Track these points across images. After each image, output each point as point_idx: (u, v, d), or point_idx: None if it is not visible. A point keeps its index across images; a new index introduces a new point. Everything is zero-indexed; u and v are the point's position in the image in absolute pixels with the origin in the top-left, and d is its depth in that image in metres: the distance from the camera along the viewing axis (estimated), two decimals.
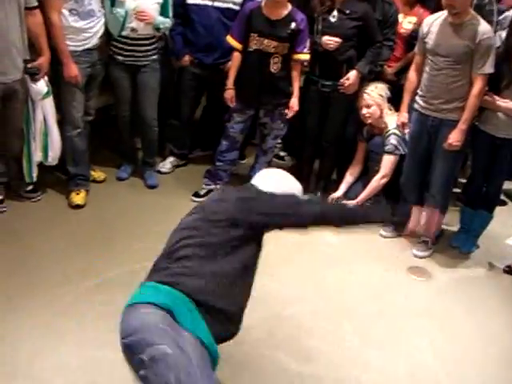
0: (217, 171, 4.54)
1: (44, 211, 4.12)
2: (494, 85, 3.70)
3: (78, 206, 4.17)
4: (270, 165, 4.67)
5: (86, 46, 3.88)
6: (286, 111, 4.27)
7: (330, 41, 4.14)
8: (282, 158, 5.36)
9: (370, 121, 4.31)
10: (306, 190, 4.70)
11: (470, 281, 3.91)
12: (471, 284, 3.87)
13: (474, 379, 3.01)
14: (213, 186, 4.51)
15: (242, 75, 4.21)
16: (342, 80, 4.27)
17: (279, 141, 4.86)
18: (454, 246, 4.24)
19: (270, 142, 4.48)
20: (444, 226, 4.30)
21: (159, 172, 4.81)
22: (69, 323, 3.06)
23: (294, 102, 4.25)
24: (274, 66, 4.11)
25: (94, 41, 3.93)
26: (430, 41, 3.70)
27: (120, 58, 4.14)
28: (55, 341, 2.93)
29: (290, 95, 4.26)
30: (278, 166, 5.04)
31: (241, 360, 2.92)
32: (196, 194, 4.51)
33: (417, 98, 3.91)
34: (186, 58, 4.47)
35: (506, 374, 3.07)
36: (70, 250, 3.70)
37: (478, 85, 3.58)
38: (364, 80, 4.36)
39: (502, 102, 3.70)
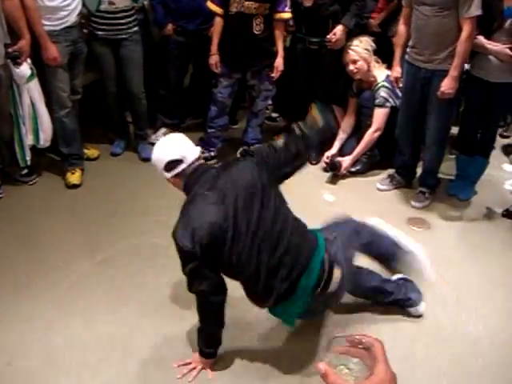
0: (209, 138, 4.54)
1: (41, 193, 4.13)
2: (485, 28, 3.66)
3: (75, 186, 4.18)
4: (261, 127, 4.67)
5: (65, 25, 3.81)
6: (272, 74, 4.24)
7: None
8: (274, 120, 5.35)
9: (357, 76, 4.29)
10: None
11: (470, 227, 3.93)
12: (471, 231, 3.89)
13: (477, 324, 3.06)
14: (207, 154, 4.51)
15: (226, 39, 4.19)
16: (328, 36, 4.24)
17: (270, 102, 4.85)
18: (451, 194, 4.25)
19: (260, 103, 4.47)
20: (441, 175, 4.30)
21: (153, 144, 4.76)
22: (78, 300, 3.10)
23: (279, 62, 4.23)
24: (257, 28, 4.08)
25: (73, 18, 3.85)
26: None
27: (100, 33, 4.09)
28: (66, 318, 2.97)
29: (275, 55, 4.23)
30: (271, 128, 5.09)
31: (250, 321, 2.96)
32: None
33: (408, 49, 3.87)
34: (169, 27, 4.43)
35: (503, 315, 3.11)
36: (71, 229, 3.73)
37: (466, 29, 3.51)
38: (351, 34, 4.32)
39: (493, 46, 3.67)
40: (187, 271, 2.37)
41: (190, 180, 2.46)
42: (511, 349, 2.89)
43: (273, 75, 4.24)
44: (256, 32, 4.09)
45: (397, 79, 4.06)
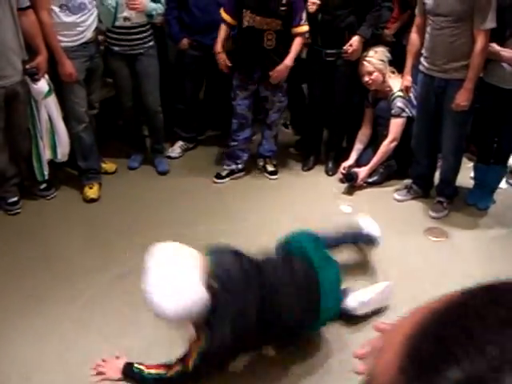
0: (234, 151, 4.56)
1: (59, 208, 4.16)
2: (498, 35, 3.63)
3: (93, 200, 4.20)
4: (276, 139, 4.67)
5: (82, 41, 3.87)
6: (271, 75, 4.21)
7: (311, 3, 4.10)
8: (286, 126, 5.38)
9: (373, 87, 4.29)
10: (316, 161, 4.76)
11: (489, 238, 3.89)
12: (490, 241, 3.85)
13: None
14: (234, 166, 4.56)
15: (239, 51, 4.23)
16: (345, 47, 4.23)
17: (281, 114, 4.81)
18: (470, 204, 4.22)
19: (273, 116, 4.47)
20: (458, 184, 4.27)
21: (169, 157, 4.82)
22: (94, 315, 3.11)
23: (279, 68, 4.18)
24: (268, 42, 4.10)
25: (89, 34, 3.91)
26: (429, 1, 3.64)
27: (116, 48, 4.13)
28: (82, 334, 2.98)
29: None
30: (284, 140, 5.11)
31: None
32: (218, 176, 4.55)
33: (421, 59, 3.86)
34: (185, 42, 4.46)
35: None
36: (88, 243, 3.75)
37: (480, 41, 3.51)
38: (366, 44, 4.31)
39: (506, 53, 3.65)
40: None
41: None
42: None
43: (272, 76, 4.21)
44: (267, 47, 4.11)
45: (407, 88, 4.06)
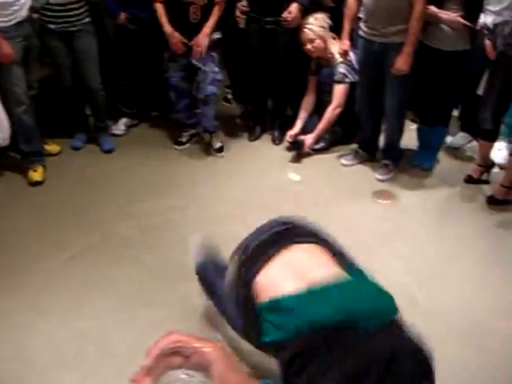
0: (181, 122, 4.59)
1: (4, 193, 4.05)
2: None
3: (38, 183, 4.11)
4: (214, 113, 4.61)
5: (16, 20, 3.72)
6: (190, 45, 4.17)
7: None
8: (228, 101, 5.35)
9: (315, 55, 4.30)
10: (263, 130, 4.78)
11: (435, 197, 4.00)
12: (436, 199, 3.96)
13: (445, 290, 3.13)
14: (193, 131, 4.66)
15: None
16: (284, 14, 4.21)
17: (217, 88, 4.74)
18: (415, 165, 4.32)
19: (208, 88, 4.34)
20: (403, 146, 4.36)
21: (114, 135, 4.75)
22: (49, 299, 3.07)
23: (198, 38, 4.13)
24: (194, 16, 4.06)
25: (23, 13, 3.76)
26: None
27: (52, 26, 4.01)
28: (39, 318, 2.95)
29: (215, 40, 4.23)
30: (226, 112, 5.10)
31: None
32: (178, 143, 4.63)
33: (361, 24, 3.89)
34: (122, 16, 4.38)
35: (475, 282, 3.20)
36: (38, 227, 3.68)
37: (418, 5, 3.57)
38: (306, 11, 4.30)
39: (444, 15, 3.71)
40: None
41: None
42: (481, 311, 2.98)
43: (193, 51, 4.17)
44: (192, 20, 4.08)
45: (345, 52, 4.09)
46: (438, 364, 1.41)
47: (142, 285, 3.14)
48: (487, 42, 3.70)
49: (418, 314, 2.94)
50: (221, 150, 4.56)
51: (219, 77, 4.41)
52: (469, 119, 4.27)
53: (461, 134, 4.58)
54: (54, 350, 2.75)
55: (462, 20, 3.68)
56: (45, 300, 3.06)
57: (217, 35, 4.23)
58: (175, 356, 1.13)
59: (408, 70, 3.73)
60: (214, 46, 4.24)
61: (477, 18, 3.76)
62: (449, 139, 4.53)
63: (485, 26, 3.74)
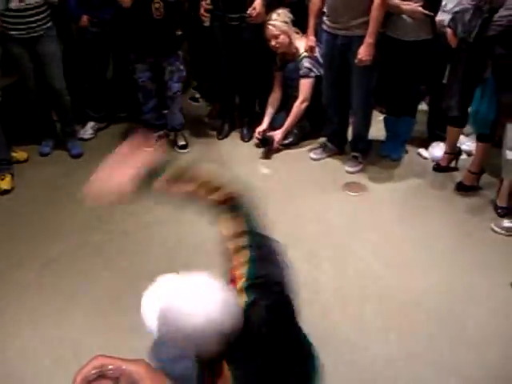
0: (150, 123, 4.55)
1: None
2: None
3: (6, 191, 4.07)
4: (181, 110, 4.62)
5: None
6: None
7: None
8: (196, 100, 5.34)
9: (280, 50, 4.31)
10: (231, 128, 4.78)
11: (405, 186, 4.04)
12: (406, 189, 4.01)
13: (421, 278, 3.18)
14: (161, 132, 4.61)
15: (130, 25, 4.18)
16: (248, 11, 4.21)
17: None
18: (384, 156, 4.35)
19: (174, 86, 4.39)
20: (371, 138, 4.38)
21: (82, 139, 4.71)
22: (23, 309, 3.04)
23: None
24: (157, 12, 4.05)
25: None
26: None
27: (14, 32, 3.95)
28: (13, 328, 2.93)
29: (179, 38, 4.26)
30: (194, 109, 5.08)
31: None
32: None
33: (324, 18, 3.91)
34: (84, 19, 4.34)
35: (445, 268, 3.25)
36: (8, 236, 3.64)
37: None
38: (269, 6, 4.31)
39: (406, 5, 3.75)
40: None
41: None
42: (451, 298, 3.03)
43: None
44: (156, 17, 4.07)
45: (311, 48, 4.11)
46: (409, 351, 1.43)
47: (117, 290, 3.12)
48: (448, 30, 3.73)
49: (390, 302, 3.00)
50: (185, 147, 4.56)
51: (184, 74, 4.44)
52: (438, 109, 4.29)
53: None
54: (31, 358, 2.74)
55: (423, 10, 3.72)
56: (19, 310, 3.03)
57: (178, 32, 4.26)
58: (106, 380, 1.14)
59: (371, 61, 3.75)
60: (177, 44, 4.27)
61: (438, 7, 3.80)
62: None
63: (441, 24, 3.78)
